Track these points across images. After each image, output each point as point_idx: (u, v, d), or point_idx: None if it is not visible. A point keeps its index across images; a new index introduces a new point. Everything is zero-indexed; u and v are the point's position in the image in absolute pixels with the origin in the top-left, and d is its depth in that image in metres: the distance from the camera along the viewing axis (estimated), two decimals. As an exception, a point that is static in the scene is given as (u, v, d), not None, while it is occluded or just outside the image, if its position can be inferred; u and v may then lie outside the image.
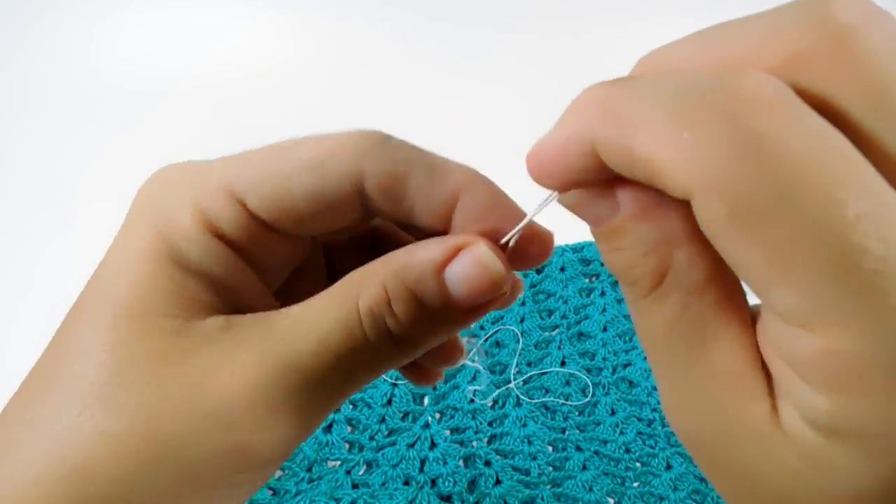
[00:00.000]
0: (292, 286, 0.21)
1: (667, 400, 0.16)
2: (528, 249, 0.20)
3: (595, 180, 0.15)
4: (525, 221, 0.19)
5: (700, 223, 0.13)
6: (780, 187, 0.11)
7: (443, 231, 0.19)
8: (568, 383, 0.51)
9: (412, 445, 0.47)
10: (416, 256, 0.18)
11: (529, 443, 0.48)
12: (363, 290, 0.18)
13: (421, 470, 0.46)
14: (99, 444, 0.16)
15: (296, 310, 0.18)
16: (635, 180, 0.14)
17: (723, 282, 0.15)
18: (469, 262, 0.18)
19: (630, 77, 0.14)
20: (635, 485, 0.45)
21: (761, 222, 0.11)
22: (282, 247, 0.19)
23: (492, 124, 0.69)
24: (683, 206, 0.13)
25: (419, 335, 0.19)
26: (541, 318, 0.56)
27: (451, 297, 0.18)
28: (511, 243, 0.19)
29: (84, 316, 0.17)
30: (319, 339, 0.17)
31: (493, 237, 0.19)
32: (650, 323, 0.16)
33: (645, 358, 0.52)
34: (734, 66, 0.13)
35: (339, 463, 0.46)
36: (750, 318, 0.15)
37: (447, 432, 0.48)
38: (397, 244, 0.21)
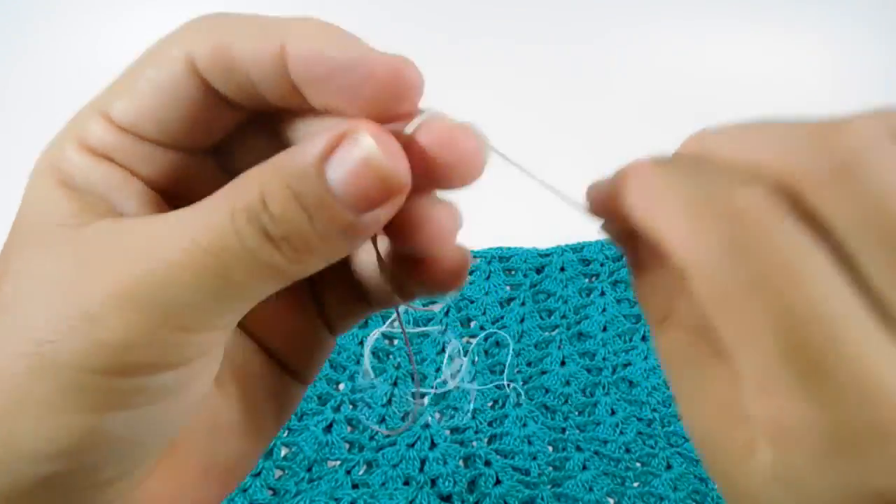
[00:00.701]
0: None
1: (680, 408, 0.19)
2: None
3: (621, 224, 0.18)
4: (421, 118, 0.17)
5: (692, 289, 0.16)
6: (750, 279, 0.14)
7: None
8: (568, 383, 0.51)
9: (412, 445, 0.47)
10: (297, 152, 0.16)
11: (529, 443, 0.48)
12: (240, 190, 0.16)
13: (421, 470, 0.46)
14: None
15: (176, 213, 0.17)
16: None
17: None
18: (349, 156, 0.16)
19: (667, 161, 0.17)
20: (635, 485, 0.45)
21: (730, 303, 0.14)
22: (158, 157, 0.19)
23: (492, 125, 0.69)
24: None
25: (302, 238, 0.16)
26: (541, 318, 0.56)
27: (334, 195, 0.16)
28: (413, 130, 0.17)
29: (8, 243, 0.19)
30: (192, 238, 0.16)
31: (392, 117, 0.17)
32: (660, 346, 0.19)
33: (645, 358, 0.52)
34: (750, 172, 0.15)
35: (339, 463, 0.46)
36: None
37: (447, 432, 0.48)
38: None
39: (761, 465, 0.15)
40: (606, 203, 0.19)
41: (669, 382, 0.19)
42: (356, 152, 0.16)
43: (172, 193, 0.20)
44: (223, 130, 0.20)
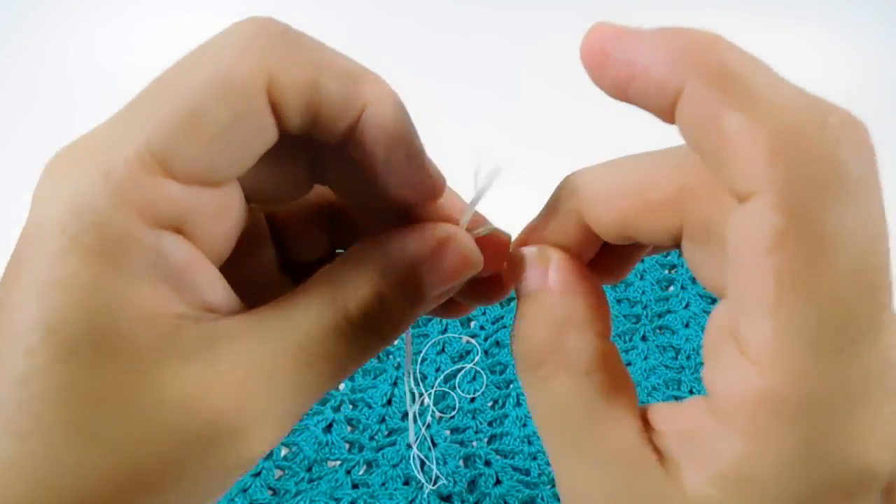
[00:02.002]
0: (243, 269, 0.19)
1: (559, 476, 0.17)
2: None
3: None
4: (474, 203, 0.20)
5: (745, 230, 0.13)
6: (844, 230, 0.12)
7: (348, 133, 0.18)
8: (568, 383, 0.51)
9: (412, 445, 0.47)
10: (403, 254, 0.18)
11: (529, 443, 0.48)
12: (350, 292, 0.18)
13: (421, 470, 0.46)
14: None
15: (270, 313, 0.17)
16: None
17: (610, 369, 0.17)
18: (456, 255, 0.19)
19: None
20: (635, 485, 0.45)
21: (804, 256, 0.12)
22: (218, 202, 0.17)
23: (491, 125, 0.69)
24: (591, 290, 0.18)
25: (400, 327, 0.19)
26: (541, 318, 0.56)
27: (434, 287, 0.19)
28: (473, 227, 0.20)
29: (17, 349, 0.14)
30: (306, 345, 0.17)
31: (455, 220, 0.20)
32: (542, 399, 0.17)
33: (645, 358, 0.52)
34: (640, 194, 0.17)
35: (339, 463, 0.47)
36: (635, 402, 0.17)
37: (447, 432, 0.48)
38: (342, 216, 0.22)
39: (697, 492, 0.14)
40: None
41: (550, 441, 0.17)
42: (458, 254, 0.19)
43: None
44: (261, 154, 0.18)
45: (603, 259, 0.20)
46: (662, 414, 0.16)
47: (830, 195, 0.12)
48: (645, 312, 0.55)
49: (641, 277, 0.57)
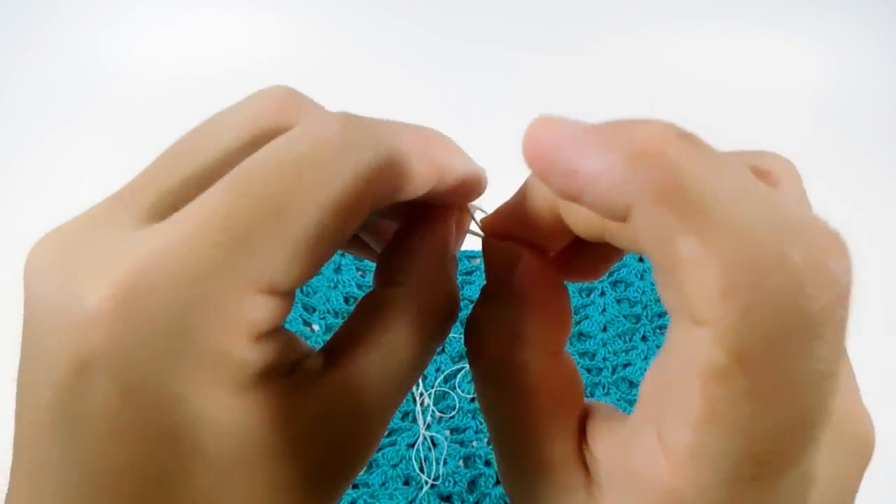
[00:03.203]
0: None
1: (506, 490, 0.18)
2: None
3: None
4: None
5: (690, 351, 0.13)
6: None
7: None
8: (568, 383, 0.51)
9: (412, 445, 0.47)
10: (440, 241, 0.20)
11: (529, 443, 0.48)
12: (418, 321, 0.18)
13: (421, 470, 0.46)
14: None
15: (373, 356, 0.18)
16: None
17: (554, 386, 0.17)
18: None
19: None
20: (635, 485, 0.45)
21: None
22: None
23: (492, 127, 0.69)
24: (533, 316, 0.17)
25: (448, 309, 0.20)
26: (541, 318, 0.56)
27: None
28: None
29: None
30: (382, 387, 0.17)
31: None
32: (488, 409, 0.18)
33: (645, 358, 0.52)
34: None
35: (339, 463, 0.47)
36: (577, 413, 0.17)
37: (447, 432, 0.48)
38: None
39: None
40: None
41: (494, 451, 0.19)
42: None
43: None
44: None
45: (578, 255, 0.19)
46: (601, 431, 0.16)
47: (781, 343, 0.11)
48: (645, 312, 0.55)
49: (641, 277, 0.57)
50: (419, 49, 0.82)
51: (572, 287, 0.58)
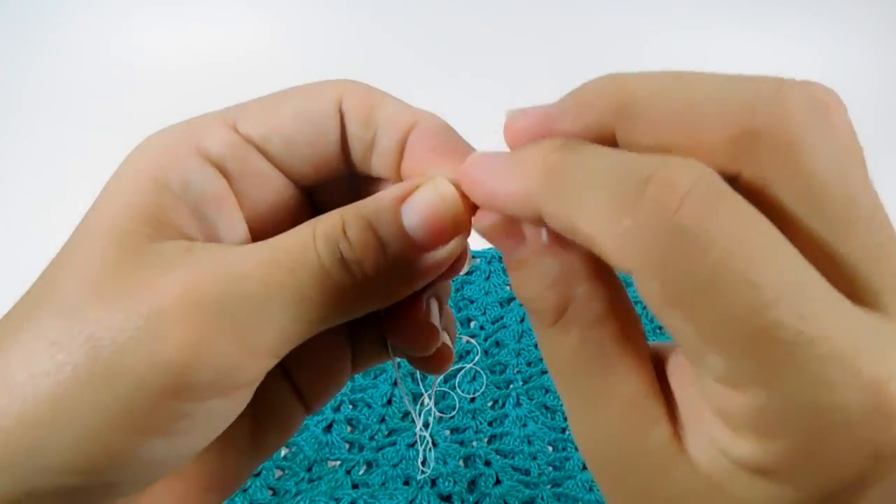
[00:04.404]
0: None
1: (573, 426, 0.17)
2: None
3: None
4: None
5: (640, 296, 0.14)
6: (703, 273, 0.12)
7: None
8: (568, 383, 0.51)
9: (412, 445, 0.47)
10: (377, 195, 0.19)
11: (529, 443, 0.48)
12: (323, 219, 0.18)
13: (421, 470, 0.46)
14: (46, 361, 0.15)
15: (254, 243, 0.18)
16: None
17: (620, 316, 0.16)
18: (427, 193, 0.19)
19: (574, 146, 0.15)
20: (635, 485, 0.45)
21: (690, 301, 0.13)
22: (268, 180, 0.20)
23: (492, 124, 0.69)
24: (583, 247, 0.15)
25: (374, 267, 0.18)
26: (541, 318, 0.56)
27: (407, 228, 0.18)
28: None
29: (75, 236, 0.18)
30: (271, 253, 0.17)
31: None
32: (555, 352, 0.17)
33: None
34: (699, 124, 0.15)
35: (339, 463, 0.47)
36: (647, 349, 0.17)
37: (447, 432, 0.48)
38: None
39: (709, 458, 0.14)
40: (497, 202, 0.17)
41: (563, 392, 0.17)
42: (436, 190, 0.19)
43: (260, 232, 0.20)
44: (329, 174, 0.21)
45: None
46: (671, 365, 0.16)
47: (678, 251, 0.13)
48: (645, 312, 0.55)
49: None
50: (418, 48, 0.82)
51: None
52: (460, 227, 0.19)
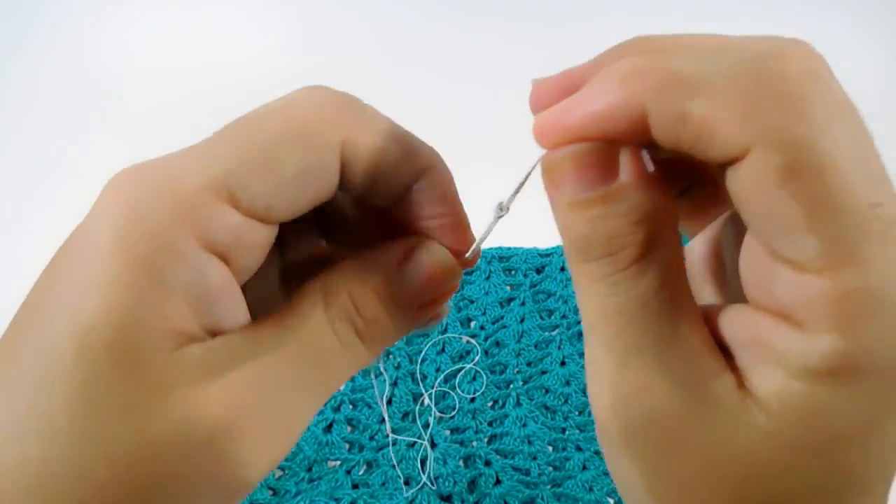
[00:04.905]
0: (252, 281, 0.20)
1: (623, 385, 0.16)
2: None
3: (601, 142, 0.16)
4: (523, 180, 0.20)
5: (742, 182, 0.14)
6: (826, 147, 0.13)
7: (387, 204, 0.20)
8: (568, 383, 0.51)
9: (412, 445, 0.47)
10: (378, 261, 0.19)
11: (529, 443, 0.48)
12: (333, 298, 0.19)
13: (421, 470, 0.46)
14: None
15: (266, 326, 0.18)
16: (660, 149, 0.15)
17: (683, 271, 0.16)
18: (427, 259, 0.20)
19: (674, 47, 0.15)
20: (635, 485, 0.45)
21: (809, 176, 0.13)
22: (263, 238, 0.18)
23: (493, 118, 0.69)
24: (668, 189, 0.16)
25: (383, 330, 0.19)
26: (541, 318, 0.56)
27: (411, 294, 0.20)
28: (468, 255, 0.21)
29: (37, 344, 0.15)
30: (293, 355, 0.18)
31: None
32: (623, 299, 0.16)
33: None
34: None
35: (339, 463, 0.47)
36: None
37: (447, 432, 0.48)
38: (344, 221, 0.22)
39: (776, 389, 0.14)
40: (597, 122, 0.15)
41: (615, 352, 0.16)
42: (432, 254, 0.20)
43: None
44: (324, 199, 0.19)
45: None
46: (726, 320, 0.16)
47: (802, 123, 0.13)
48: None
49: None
50: (419, 46, 0.82)
51: (572, 287, 0.58)
52: (453, 279, 0.20)
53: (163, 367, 0.15)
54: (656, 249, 0.16)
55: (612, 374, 0.16)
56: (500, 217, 0.20)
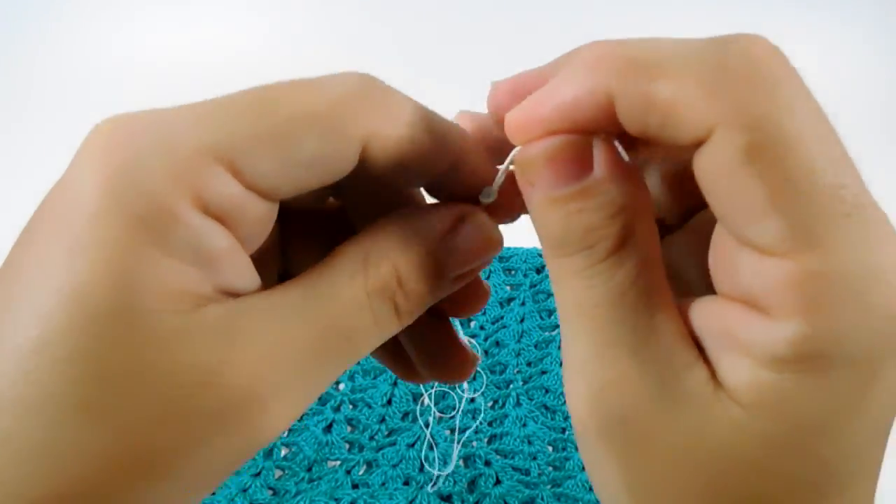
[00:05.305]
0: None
1: (599, 377, 0.16)
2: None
3: (576, 134, 0.16)
4: (500, 176, 0.19)
5: (706, 164, 0.14)
6: (790, 126, 0.13)
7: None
8: (568, 383, 0.51)
9: (412, 445, 0.47)
10: (423, 231, 0.18)
11: (529, 443, 0.48)
12: (372, 270, 0.18)
13: (421, 470, 0.46)
14: (75, 466, 0.14)
15: (296, 292, 0.17)
16: (628, 136, 0.15)
17: (660, 262, 0.16)
18: (475, 233, 0.19)
19: (637, 40, 0.15)
20: (635, 485, 0.45)
21: (772, 156, 0.13)
22: (263, 213, 0.17)
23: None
24: (642, 179, 0.16)
25: (422, 308, 0.19)
26: (541, 318, 0.56)
27: (452, 267, 0.19)
28: (491, 197, 0.20)
29: (23, 311, 0.14)
30: (324, 328, 0.17)
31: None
32: (599, 291, 0.16)
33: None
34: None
35: (339, 463, 0.47)
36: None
37: (447, 432, 0.48)
38: (341, 219, 0.21)
39: (746, 380, 0.14)
40: (565, 112, 0.15)
41: (590, 346, 0.16)
42: (480, 227, 0.19)
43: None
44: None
45: None
46: (696, 311, 0.16)
47: (767, 102, 0.13)
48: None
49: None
50: (420, 44, 0.82)
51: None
52: (496, 251, 0.20)
53: (173, 330, 0.14)
54: (632, 240, 0.16)
55: (589, 366, 0.16)
56: (486, 203, 0.20)
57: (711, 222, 0.16)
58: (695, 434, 0.15)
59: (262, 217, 0.17)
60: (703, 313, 0.16)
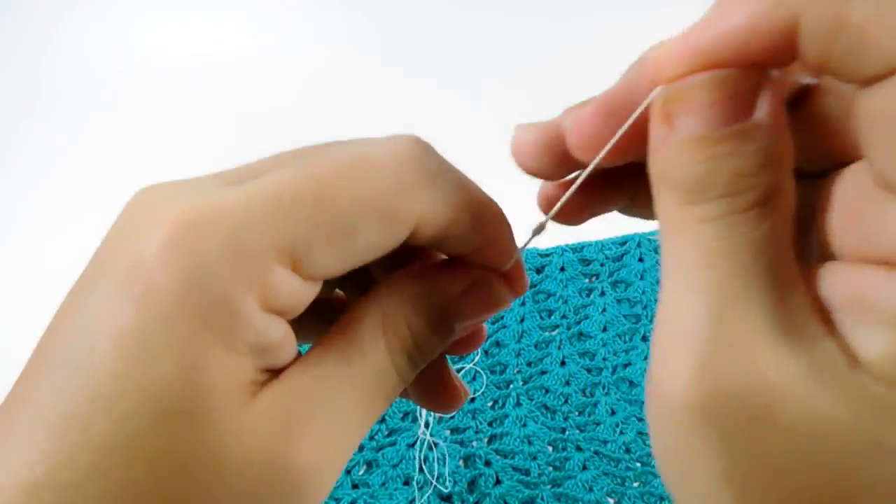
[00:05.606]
0: None
1: (717, 342, 0.14)
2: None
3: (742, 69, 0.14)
4: (633, 117, 0.16)
5: (881, 103, 0.12)
6: None
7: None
8: (568, 383, 0.51)
9: (412, 445, 0.47)
10: (438, 291, 0.20)
11: (529, 443, 0.48)
12: (391, 329, 0.19)
13: (421, 470, 0.46)
14: None
15: (329, 363, 0.18)
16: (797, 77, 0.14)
17: (793, 225, 0.14)
18: (486, 297, 0.20)
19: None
20: (635, 485, 0.45)
21: None
22: (314, 292, 0.18)
23: (504, 124, 0.69)
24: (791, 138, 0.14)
25: (431, 356, 0.20)
26: (541, 318, 0.56)
27: (462, 322, 0.20)
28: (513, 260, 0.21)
29: (111, 408, 0.14)
30: (364, 389, 0.18)
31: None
32: (732, 242, 0.14)
33: (645, 358, 0.52)
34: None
35: (339, 463, 0.47)
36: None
37: (447, 432, 0.48)
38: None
39: (886, 347, 0.12)
40: (742, 35, 0.13)
41: (728, 290, 0.14)
42: (492, 293, 0.21)
43: None
44: None
45: None
46: (822, 279, 0.14)
47: None
48: (645, 312, 0.55)
49: (642, 278, 0.57)
50: (417, 49, 0.82)
51: (572, 287, 0.58)
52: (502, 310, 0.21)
53: (238, 425, 0.16)
54: (780, 195, 0.14)
55: (703, 328, 0.14)
56: (537, 234, 0.21)
57: (825, 187, 0.15)
58: (828, 415, 0.13)
59: (311, 296, 0.18)
60: (831, 280, 0.14)
